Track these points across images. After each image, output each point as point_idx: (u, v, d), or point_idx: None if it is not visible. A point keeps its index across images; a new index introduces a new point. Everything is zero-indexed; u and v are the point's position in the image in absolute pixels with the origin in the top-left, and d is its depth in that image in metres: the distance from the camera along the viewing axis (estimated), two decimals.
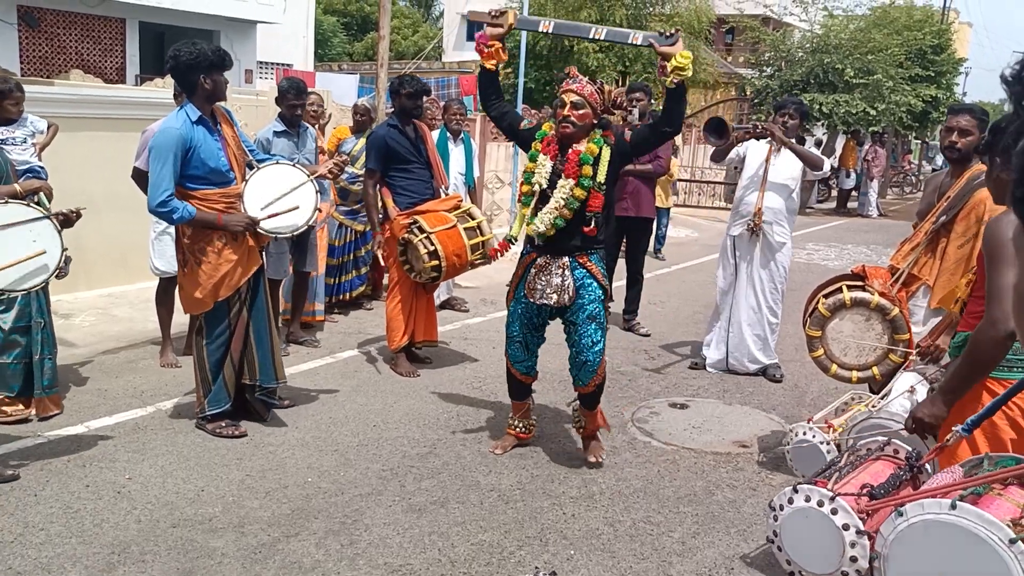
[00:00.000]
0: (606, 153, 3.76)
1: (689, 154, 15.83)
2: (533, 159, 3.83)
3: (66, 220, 3.49)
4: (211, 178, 3.89)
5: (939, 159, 26.24)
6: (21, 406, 4.12)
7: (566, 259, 3.81)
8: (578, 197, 3.72)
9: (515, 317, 3.98)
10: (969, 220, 3.82)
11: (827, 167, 5.35)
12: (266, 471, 3.76)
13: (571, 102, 3.73)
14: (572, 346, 3.90)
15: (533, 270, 3.86)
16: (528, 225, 3.81)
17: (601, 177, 3.75)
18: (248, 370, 4.18)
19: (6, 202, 3.39)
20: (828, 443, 3.58)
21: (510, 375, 4.12)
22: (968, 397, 2.53)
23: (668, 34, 3.60)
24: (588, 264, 3.84)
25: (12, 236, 3.32)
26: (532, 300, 3.84)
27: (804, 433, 3.68)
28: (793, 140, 5.36)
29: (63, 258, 3.42)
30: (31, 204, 3.48)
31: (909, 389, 3.51)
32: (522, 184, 3.91)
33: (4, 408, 4.06)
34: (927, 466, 2.60)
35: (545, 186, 3.77)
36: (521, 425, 4.18)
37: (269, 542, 3.16)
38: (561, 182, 3.74)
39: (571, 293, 3.79)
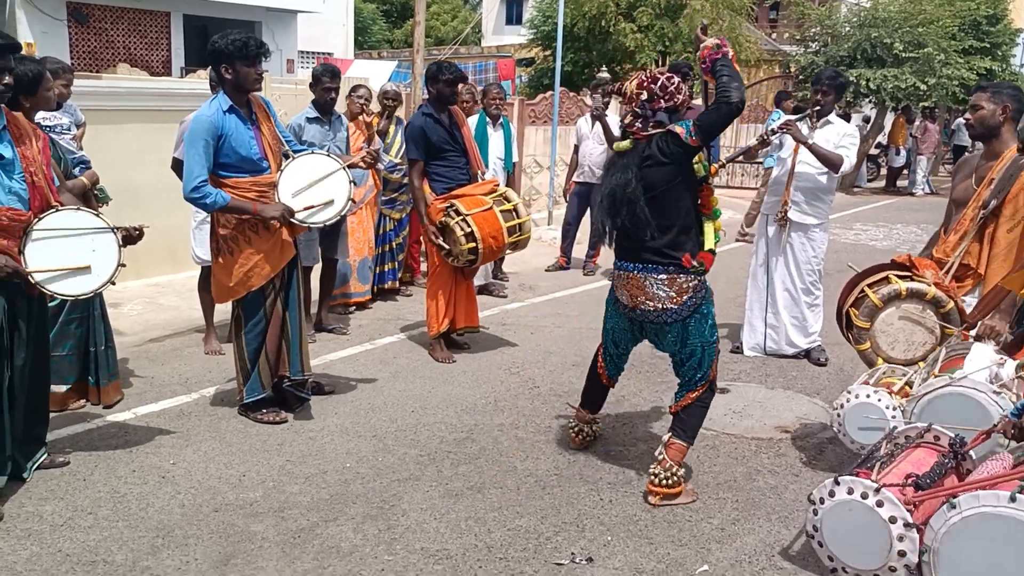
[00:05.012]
0: None
1: (731, 134, 15.53)
2: None
3: (128, 238, 3.50)
4: (243, 166, 3.92)
5: None
6: (83, 400, 4.24)
7: None
8: None
9: None
10: (1017, 202, 3.64)
11: (847, 165, 5.17)
12: (306, 457, 3.81)
13: None
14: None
15: None
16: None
17: None
18: (281, 362, 4.20)
19: (78, 208, 3.44)
20: (894, 408, 3.34)
21: None
22: None
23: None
24: None
25: (75, 242, 3.32)
26: None
27: (868, 396, 3.39)
28: (831, 115, 5.27)
29: (116, 272, 3.42)
30: (99, 213, 3.48)
31: (999, 361, 3.27)
32: None
33: (68, 403, 4.18)
34: (971, 452, 2.50)
35: None
36: None
37: (308, 526, 3.20)
38: None
39: None
